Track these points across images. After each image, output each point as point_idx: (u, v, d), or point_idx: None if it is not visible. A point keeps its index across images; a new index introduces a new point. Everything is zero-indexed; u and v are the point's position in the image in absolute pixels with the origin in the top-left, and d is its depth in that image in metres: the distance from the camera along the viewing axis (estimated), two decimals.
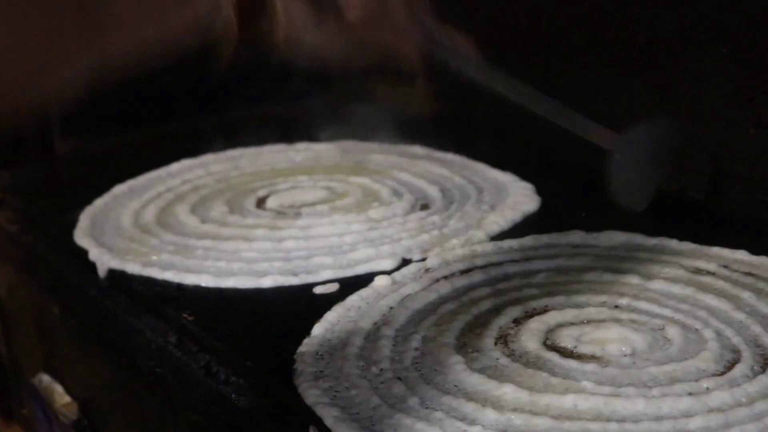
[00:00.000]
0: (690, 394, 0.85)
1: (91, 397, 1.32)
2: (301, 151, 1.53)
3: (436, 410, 0.84)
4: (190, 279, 1.11)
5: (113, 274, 1.16)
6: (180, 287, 1.10)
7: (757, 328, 0.95)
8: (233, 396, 0.95)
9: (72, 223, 1.28)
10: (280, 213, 1.28)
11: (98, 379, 1.28)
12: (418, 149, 1.50)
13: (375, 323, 1.00)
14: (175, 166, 1.47)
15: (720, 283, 1.04)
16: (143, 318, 1.09)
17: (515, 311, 1.00)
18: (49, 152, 1.65)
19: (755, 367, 0.89)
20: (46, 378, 1.42)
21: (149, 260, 1.15)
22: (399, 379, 0.90)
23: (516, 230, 1.20)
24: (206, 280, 1.10)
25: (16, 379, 1.62)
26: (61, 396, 1.38)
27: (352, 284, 1.08)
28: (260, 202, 1.32)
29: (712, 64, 1.25)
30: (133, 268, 1.14)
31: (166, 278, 1.12)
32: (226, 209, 1.30)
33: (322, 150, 1.53)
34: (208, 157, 1.51)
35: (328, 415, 0.84)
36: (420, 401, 0.86)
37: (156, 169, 1.46)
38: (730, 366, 0.89)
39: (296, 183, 1.38)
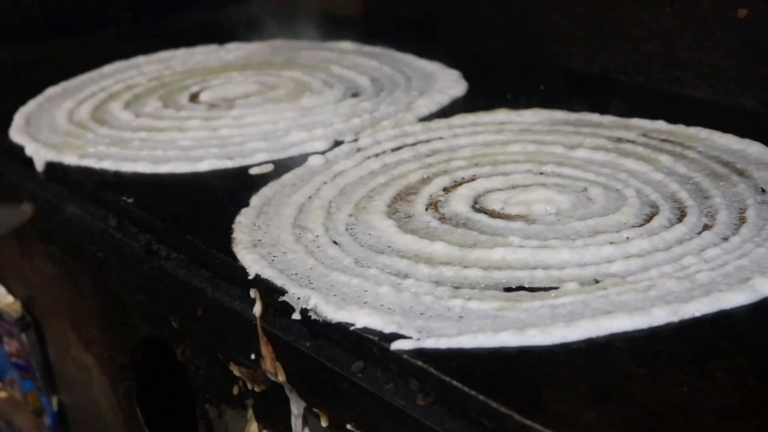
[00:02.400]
0: (611, 243, 0.88)
1: (34, 294, 1.34)
2: (232, 51, 1.54)
3: (371, 268, 0.87)
4: (127, 167, 1.12)
5: (50, 167, 1.16)
6: (117, 174, 1.11)
7: (674, 186, 0.99)
8: (174, 270, 0.97)
9: (6, 123, 1.27)
10: (214, 105, 1.29)
11: (40, 276, 1.29)
12: (347, 45, 1.51)
13: (309, 197, 1.02)
14: (107, 68, 1.47)
15: (640, 150, 1.07)
16: (83, 206, 1.11)
17: (444, 180, 1.03)
18: None
19: (672, 218, 0.93)
20: None
21: (86, 152, 1.16)
22: (334, 243, 0.92)
23: (444, 112, 1.23)
24: (143, 167, 1.11)
25: None
26: (3, 297, 1.39)
27: (286, 165, 1.10)
28: (193, 97, 1.33)
29: None
30: (70, 159, 1.15)
31: (103, 167, 1.13)
32: (159, 104, 1.31)
33: (253, 49, 1.54)
34: (140, 59, 1.51)
35: (266, 274, 0.87)
36: (355, 261, 0.89)
37: (88, 72, 1.46)
38: (649, 218, 0.93)
39: (228, 79, 1.39)
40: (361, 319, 0.79)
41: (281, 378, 0.87)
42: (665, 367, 0.72)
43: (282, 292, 0.85)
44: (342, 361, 0.81)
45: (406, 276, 0.85)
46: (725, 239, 0.89)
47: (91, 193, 1.10)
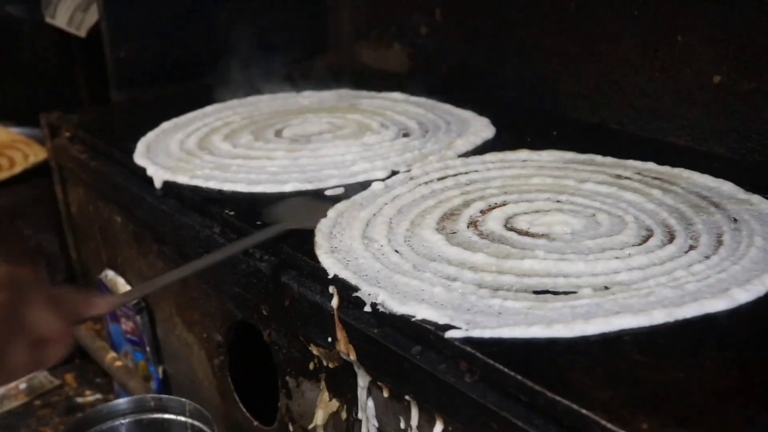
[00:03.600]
0: (617, 258, 0.88)
1: None
2: (307, 97, 1.54)
3: (426, 272, 0.88)
4: (228, 186, 1.12)
5: (167, 185, 1.17)
6: (220, 192, 1.12)
7: (664, 214, 0.99)
8: (267, 269, 0.98)
9: (131, 150, 1.29)
10: (294, 140, 1.29)
11: (153, 270, 1.30)
12: (398, 95, 1.52)
13: (374, 214, 1.03)
14: (209, 108, 1.48)
15: (635, 185, 1.07)
16: (192, 216, 1.12)
17: (480, 205, 1.03)
18: (106, 100, 1.66)
19: (664, 240, 0.93)
20: (110, 273, 1.45)
21: (194, 174, 1.17)
22: (396, 251, 0.93)
23: (478, 150, 1.23)
24: (241, 187, 1.12)
25: (85, 278, 1.63)
26: (123, 286, 1.41)
27: (354, 189, 1.10)
28: (278, 133, 1.34)
29: (625, 22, 1.28)
30: (182, 179, 1.16)
31: (209, 186, 1.13)
32: (251, 138, 1.31)
33: (324, 96, 1.54)
34: (234, 102, 1.51)
35: (343, 274, 0.88)
36: (413, 266, 0.89)
37: (194, 111, 1.47)
38: (646, 239, 0.93)
39: (305, 119, 1.39)
40: (421, 312, 0.80)
41: (352, 357, 0.87)
42: (664, 357, 0.73)
43: (356, 289, 0.85)
44: (403, 345, 0.81)
45: (454, 279, 0.86)
46: (707, 257, 0.89)
47: (200, 206, 1.11)
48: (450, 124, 1.34)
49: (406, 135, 1.30)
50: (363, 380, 0.90)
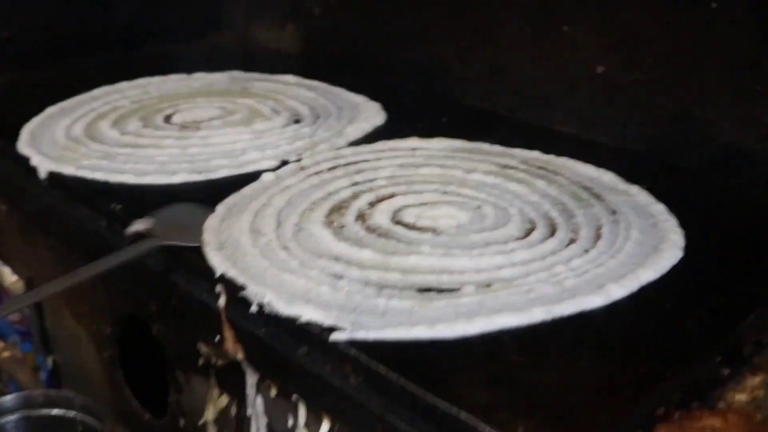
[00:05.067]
0: (500, 252, 0.89)
1: (34, 275, 1.31)
2: (198, 80, 1.50)
3: (313, 269, 0.87)
4: (115, 178, 1.09)
5: (52, 176, 1.13)
6: (107, 184, 1.08)
7: (546, 206, 1.00)
8: (154, 266, 0.96)
9: (14, 138, 1.23)
10: (184, 127, 1.26)
11: (40, 261, 1.26)
12: (290, 78, 1.49)
13: (263, 204, 1.01)
14: (97, 91, 1.42)
15: (521, 175, 1.08)
16: (79, 209, 1.08)
17: (369, 197, 1.02)
18: None
19: (546, 233, 0.94)
20: None
21: (81, 164, 1.13)
22: (284, 248, 0.92)
23: (369, 138, 1.22)
24: (128, 178, 1.08)
25: None
26: (9, 276, 1.36)
27: (244, 180, 1.08)
28: (167, 119, 1.30)
29: (515, 10, 1.29)
30: (68, 170, 1.12)
31: (95, 177, 1.09)
32: (140, 124, 1.27)
33: (215, 78, 1.51)
34: (123, 84, 1.46)
35: (230, 273, 0.86)
36: (300, 264, 0.88)
37: (80, 94, 1.42)
38: (528, 232, 0.94)
39: (196, 104, 1.36)
40: (307, 312, 0.79)
41: (240, 356, 0.86)
42: (542, 356, 0.74)
43: (243, 288, 0.84)
44: (290, 346, 0.81)
45: (341, 277, 0.85)
46: (586, 251, 0.90)
47: (86, 199, 1.07)
48: (341, 110, 1.33)
49: (297, 121, 1.29)
50: (251, 378, 0.89)
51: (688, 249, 0.90)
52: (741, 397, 0.74)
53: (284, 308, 0.81)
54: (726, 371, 0.77)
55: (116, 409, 1.18)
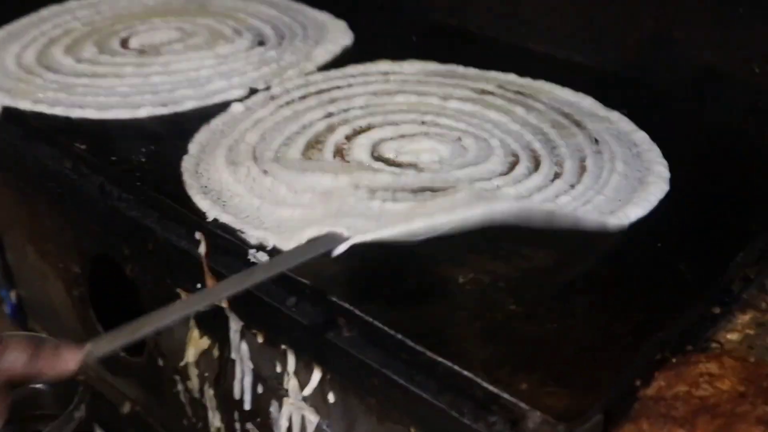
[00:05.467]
0: (485, 190, 0.87)
1: None
2: None
3: (306, 192, 0.84)
4: (76, 113, 1.03)
5: (7, 111, 1.07)
6: (68, 120, 1.03)
7: (528, 136, 0.98)
8: (126, 210, 0.92)
9: None
10: (143, 52, 1.20)
11: (1, 199, 1.21)
12: None
13: (236, 140, 0.97)
14: (45, 12, 1.34)
15: (499, 101, 1.05)
16: (40, 148, 1.03)
17: (346, 129, 0.99)
18: None
19: (530, 167, 0.92)
20: None
21: (37, 98, 1.07)
22: (264, 172, 0.88)
23: (338, 61, 1.18)
24: (90, 113, 1.03)
25: None
26: None
27: (212, 112, 1.04)
28: (124, 43, 1.23)
29: None
30: (24, 105, 1.06)
31: (55, 113, 1.04)
32: (96, 50, 1.20)
33: None
34: (73, 4, 1.37)
35: (223, 219, 0.83)
36: (287, 187, 0.85)
37: (27, 15, 1.33)
38: (512, 166, 0.92)
39: (152, 25, 1.29)
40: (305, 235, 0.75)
41: (224, 305, 0.84)
42: (537, 304, 0.73)
43: (241, 232, 0.81)
44: (277, 296, 0.78)
45: (331, 192, 0.82)
46: (572, 186, 0.89)
47: (47, 137, 1.02)
48: (306, 29, 1.28)
49: (261, 43, 1.23)
50: (236, 324, 0.87)
51: (674, 181, 0.89)
52: (732, 337, 0.75)
53: (285, 247, 0.78)
54: (717, 310, 0.77)
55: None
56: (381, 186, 0.82)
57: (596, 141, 0.97)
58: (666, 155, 0.93)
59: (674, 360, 0.70)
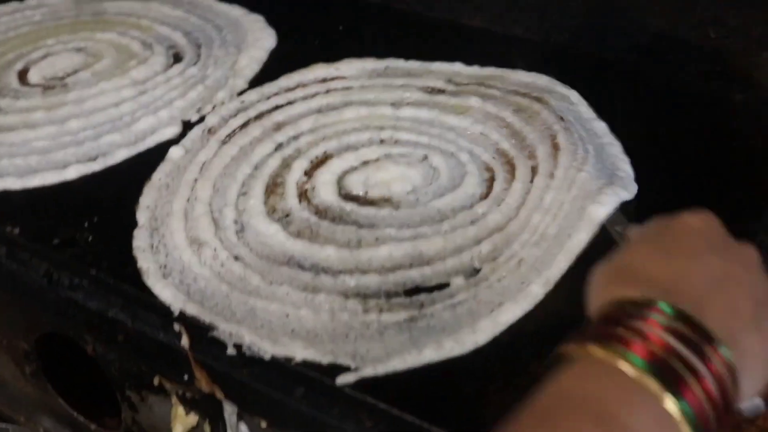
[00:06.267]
0: (472, 222, 0.82)
1: None
2: (36, 9, 1.27)
3: (282, 285, 0.78)
4: None
5: None
6: None
7: (494, 135, 0.93)
8: (85, 300, 0.83)
9: None
10: (48, 87, 1.07)
11: None
12: None
13: (188, 199, 0.89)
14: None
15: (453, 101, 0.99)
16: None
17: (302, 163, 0.92)
18: None
19: (507, 177, 0.87)
20: None
21: None
22: (235, 258, 0.81)
23: (267, 71, 1.09)
24: (12, 183, 0.93)
25: None
26: None
27: (149, 161, 0.95)
28: (22, 77, 1.11)
29: None
30: None
31: None
32: None
33: (56, 2, 1.29)
34: None
35: (189, 310, 0.77)
36: (261, 277, 0.79)
37: None
38: (490, 184, 0.87)
39: (48, 49, 1.16)
40: (297, 351, 0.71)
41: (219, 395, 0.78)
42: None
43: (211, 328, 0.75)
44: (282, 387, 0.73)
45: (316, 291, 0.76)
46: (551, 176, 0.85)
47: None
48: (222, 31, 1.17)
49: (177, 57, 1.13)
50: (231, 407, 0.81)
51: (643, 181, 0.86)
52: None
53: (270, 348, 0.72)
54: None
55: (56, 419, 1.08)
56: (371, 291, 0.76)
57: (561, 118, 0.93)
58: (629, 146, 0.90)
59: None
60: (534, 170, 0.87)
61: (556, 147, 0.89)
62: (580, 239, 0.78)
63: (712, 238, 0.58)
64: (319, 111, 1.00)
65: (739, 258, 0.57)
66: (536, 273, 0.76)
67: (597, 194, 0.81)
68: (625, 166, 0.88)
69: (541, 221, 0.81)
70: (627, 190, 0.83)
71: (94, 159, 0.95)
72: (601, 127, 0.94)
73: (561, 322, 0.70)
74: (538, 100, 0.97)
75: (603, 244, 0.75)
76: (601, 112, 0.95)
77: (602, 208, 0.80)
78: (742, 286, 0.55)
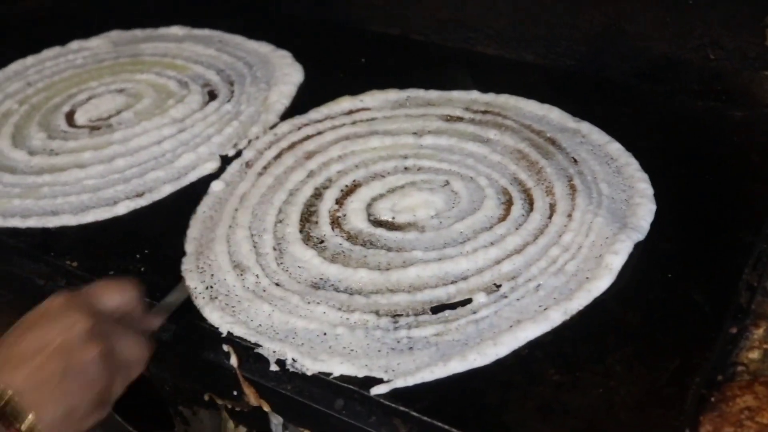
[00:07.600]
0: (492, 243, 0.90)
1: None
2: (78, 53, 1.37)
3: (319, 304, 0.86)
4: (53, 222, 1.01)
5: None
6: (46, 231, 1.01)
7: (512, 166, 1.01)
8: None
9: None
10: (94, 128, 1.17)
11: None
12: (178, 30, 1.39)
13: (230, 226, 0.98)
14: None
15: (471, 128, 1.07)
16: (24, 265, 1.01)
17: (334, 193, 1.00)
18: None
19: (525, 205, 0.95)
20: None
21: (4, 210, 1.04)
22: (276, 284, 0.90)
23: (297, 105, 1.17)
24: (68, 220, 1.01)
25: None
26: None
27: (193, 195, 1.03)
28: (70, 119, 1.20)
29: None
30: None
31: (29, 225, 1.02)
32: (44, 134, 1.17)
33: (95, 46, 1.38)
34: None
35: (236, 331, 0.85)
36: (300, 298, 0.87)
37: None
38: (508, 207, 0.95)
39: (91, 91, 1.25)
40: (336, 367, 0.79)
41: (267, 409, 0.86)
42: (577, 370, 0.77)
43: (256, 346, 0.83)
44: (323, 400, 0.81)
45: (351, 310, 0.85)
46: (569, 216, 0.92)
47: (29, 255, 1.00)
48: (252, 68, 1.26)
49: (212, 94, 1.22)
50: (277, 419, 0.89)
51: (659, 196, 0.93)
52: (753, 356, 0.80)
53: (311, 365, 0.80)
54: (734, 330, 0.82)
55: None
56: (401, 309, 0.84)
57: (575, 161, 1.00)
58: (644, 166, 0.97)
59: (713, 399, 0.75)
60: (552, 208, 0.94)
61: (573, 188, 0.95)
62: (599, 286, 0.83)
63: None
64: (347, 138, 1.08)
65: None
66: (554, 301, 0.82)
67: (612, 242, 0.87)
68: (643, 186, 0.94)
69: (560, 256, 0.88)
70: (639, 231, 0.89)
71: (141, 195, 1.04)
72: (615, 148, 1.01)
73: (577, 336, 0.79)
74: (552, 141, 1.03)
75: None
76: (612, 134, 1.02)
77: (618, 259, 0.85)
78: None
